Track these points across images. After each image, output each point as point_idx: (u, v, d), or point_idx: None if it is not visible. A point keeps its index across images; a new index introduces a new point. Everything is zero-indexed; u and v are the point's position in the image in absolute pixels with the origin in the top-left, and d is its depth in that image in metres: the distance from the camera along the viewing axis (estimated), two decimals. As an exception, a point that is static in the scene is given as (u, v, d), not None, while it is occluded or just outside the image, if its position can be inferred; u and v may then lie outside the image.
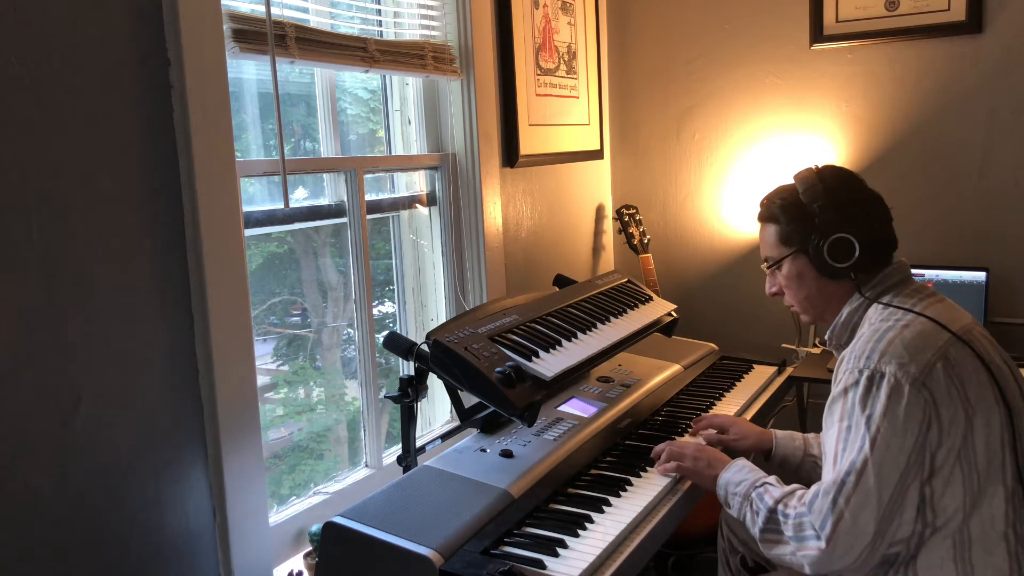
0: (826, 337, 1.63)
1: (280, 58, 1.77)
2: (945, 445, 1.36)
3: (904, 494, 1.35)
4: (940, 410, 1.36)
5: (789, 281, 1.62)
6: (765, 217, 1.65)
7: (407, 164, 2.34)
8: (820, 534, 1.36)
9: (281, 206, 1.85)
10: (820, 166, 1.62)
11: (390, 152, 2.36)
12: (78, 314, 1.37)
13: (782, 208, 1.61)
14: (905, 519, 1.37)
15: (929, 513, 1.37)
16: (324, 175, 2.08)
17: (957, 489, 1.36)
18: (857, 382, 1.41)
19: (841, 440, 1.40)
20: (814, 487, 1.42)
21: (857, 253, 1.51)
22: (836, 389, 1.46)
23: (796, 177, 1.61)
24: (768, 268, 1.66)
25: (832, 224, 1.53)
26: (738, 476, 1.55)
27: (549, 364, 1.67)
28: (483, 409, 1.83)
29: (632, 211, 3.04)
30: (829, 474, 1.40)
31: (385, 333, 1.81)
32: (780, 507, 1.44)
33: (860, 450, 1.36)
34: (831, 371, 2.55)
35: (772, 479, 1.52)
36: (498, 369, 1.59)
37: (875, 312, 1.52)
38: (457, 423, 1.90)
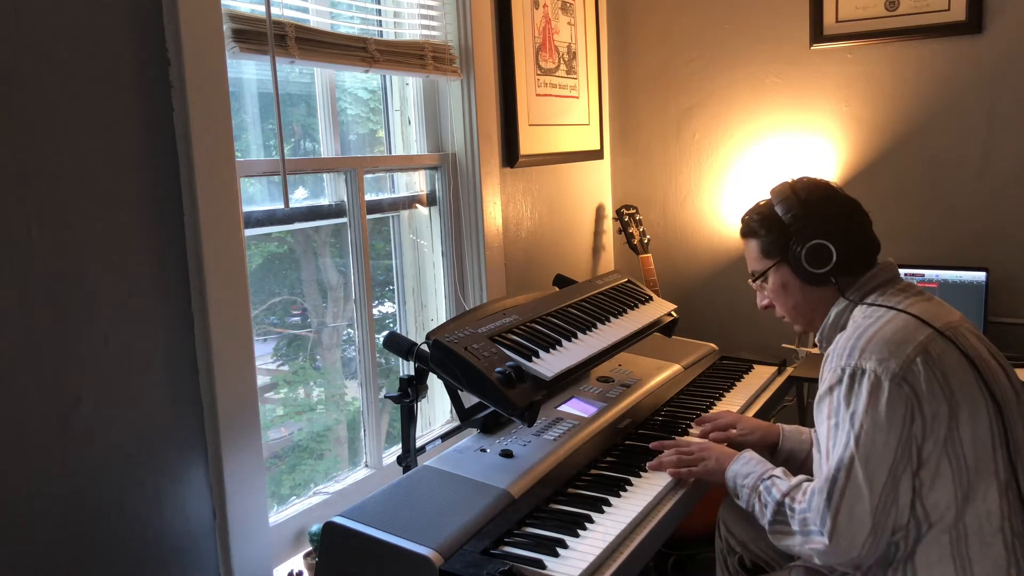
0: (816, 339, 1.68)
1: (280, 58, 1.77)
2: (931, 438, 1.39)
3: (897, 485, 1.38)
4: (923, 404, 1.39)
5: (776, 292, 1.68)
6: (746, 233, 1.72)
7: (407, 164, 2.34)
8: (822, 530, 1.39)
9: (281, 206, 1.85)
10: (794, 179, 1.68)
11: (390, 152, 2.36)
12: (78, 314, 1.37)
13: (760, 222, 1.67)
14: (901, 507, 1.39)
15: (919, 508, 1.40)
16: (324, 175, 2.08)
17: (947, 483, 1.39)
18: (840, 380, 1.44)
19: (831, 437, 1.44)
20: (811, 485, 1.45)
21: (835, 258, 1.57)
22: (822, 388, 1.49)
23: (771, 191, 1.69)
24: (755, 282, 1.72)
25: (807, 231, 1.59)
26: (745, 468, 1.59)
27: (549, 364, 1.67)
28: (483, 409, 1.83)
29: (632, 211, 3.04)
30: (822, 471, 1.43)
31: (385, 333, 1.81)
32: (787, 500, 1.47)
33: (846, 446, 1.39)
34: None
35: (779, 471, 1.55)
36: (498, 369, 1.59)
37: (859, 312, 1.57)
38: (457, 423, 1.90)
